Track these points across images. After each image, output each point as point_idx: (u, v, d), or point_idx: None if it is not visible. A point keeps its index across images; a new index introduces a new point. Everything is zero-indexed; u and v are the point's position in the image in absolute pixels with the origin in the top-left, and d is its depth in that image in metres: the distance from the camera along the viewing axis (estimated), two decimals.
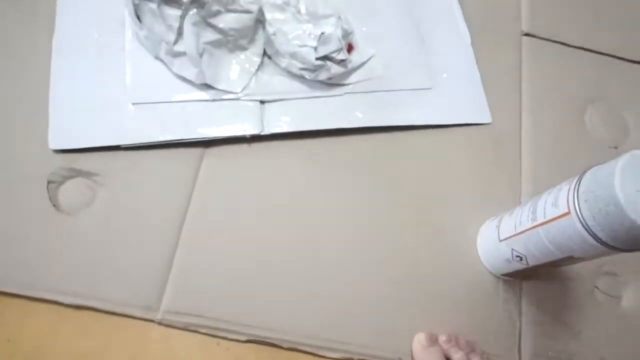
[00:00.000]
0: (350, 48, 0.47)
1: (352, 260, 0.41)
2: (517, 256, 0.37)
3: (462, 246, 0.43)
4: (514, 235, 0.37)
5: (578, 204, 0.30)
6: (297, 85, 0.45)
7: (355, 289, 0.40)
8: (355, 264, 0.41)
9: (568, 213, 0.30)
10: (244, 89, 0.43)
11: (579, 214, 0.30)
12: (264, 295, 0.39)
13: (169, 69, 0.43)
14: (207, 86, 0.43)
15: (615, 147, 0.50)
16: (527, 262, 0.37)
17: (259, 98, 0.43)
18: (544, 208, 0.33)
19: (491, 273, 0.42)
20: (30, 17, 0.45)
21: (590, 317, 0.43)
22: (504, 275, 0.41)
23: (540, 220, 0.34)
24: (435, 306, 0.41)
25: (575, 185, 0.31)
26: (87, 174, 0.40)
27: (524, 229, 0.35)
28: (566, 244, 0.32)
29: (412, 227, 0.43)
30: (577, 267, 0.44)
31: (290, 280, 0.40)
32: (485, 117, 0.49)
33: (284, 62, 0.44)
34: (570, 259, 0.33)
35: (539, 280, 0.43)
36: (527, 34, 0.55)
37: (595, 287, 0.44)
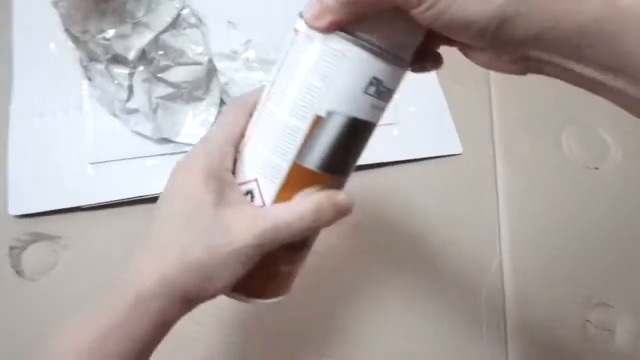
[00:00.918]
0: None
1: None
2: (248, 192, 0.24)
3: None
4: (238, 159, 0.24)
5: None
6: None
7: None
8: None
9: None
10: None
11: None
12: None
13: (126, 125, 0.43)
14: (166, 140, 0.43)
15: (596, 168, 0.48)
16: (260, 194, 0.23)
17: None
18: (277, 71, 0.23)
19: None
20: None
21: (583, 356, 0.40)
22: None
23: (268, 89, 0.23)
24: None
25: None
26: (49, 238, 0.40)
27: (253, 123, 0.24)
28: (309, 81, 0.21)
29: (384, 281, 0.41)
30: (566, 301, 0.42)
31: None
32: (455, 147, 0.47)
33: None
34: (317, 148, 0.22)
35: (525, 319, 0.40)
36: None
37: (587, 321, 0.41)
